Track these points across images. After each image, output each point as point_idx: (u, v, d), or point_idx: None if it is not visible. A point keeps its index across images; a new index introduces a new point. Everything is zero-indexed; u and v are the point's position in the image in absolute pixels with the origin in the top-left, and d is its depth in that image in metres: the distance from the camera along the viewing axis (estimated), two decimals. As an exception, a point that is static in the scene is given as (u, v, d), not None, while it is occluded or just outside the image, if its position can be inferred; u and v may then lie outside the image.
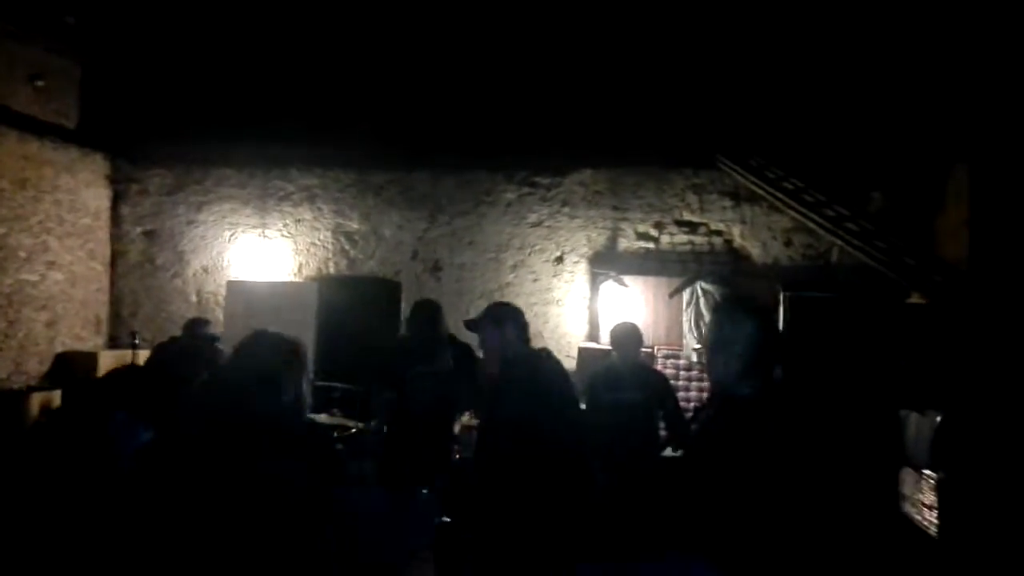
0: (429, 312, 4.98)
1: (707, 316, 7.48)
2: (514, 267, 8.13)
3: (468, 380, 4.73)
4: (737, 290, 7.22)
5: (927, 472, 4.62)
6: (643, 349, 5.36)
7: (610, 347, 5.29)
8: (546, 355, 3.53)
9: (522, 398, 3.21)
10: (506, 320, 3.45)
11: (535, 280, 8.09)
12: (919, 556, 4.53)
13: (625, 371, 4.97)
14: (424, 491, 4.24)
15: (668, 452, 5.12)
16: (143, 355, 6.35)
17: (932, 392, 4.87)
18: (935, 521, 4.46)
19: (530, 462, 3.11)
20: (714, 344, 2.24)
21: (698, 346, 7.27)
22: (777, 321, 2.24)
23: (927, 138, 6.92)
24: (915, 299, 6.25)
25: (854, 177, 7.23)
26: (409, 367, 4.80)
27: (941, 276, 6.08)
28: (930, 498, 4.52)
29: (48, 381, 7.65)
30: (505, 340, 3.41)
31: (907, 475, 4.84)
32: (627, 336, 5.06)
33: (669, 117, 7.43)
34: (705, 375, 7.40)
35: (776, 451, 2.04)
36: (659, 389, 5.07)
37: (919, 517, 4.64)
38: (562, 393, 3.39)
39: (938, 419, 4.60)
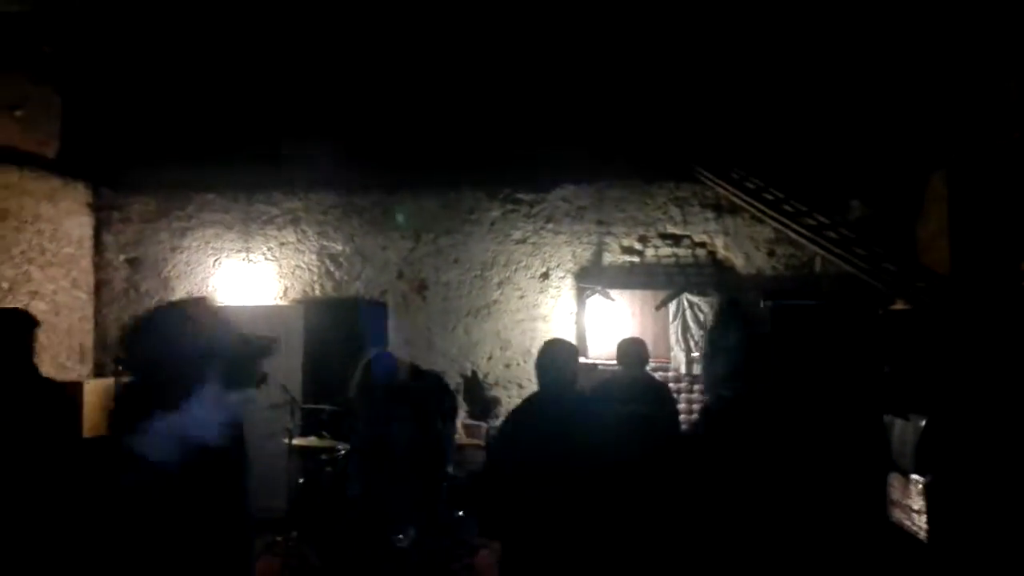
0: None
1: (693, 328, 7.51)
2: (500, 284, 8.14)
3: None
4: (729, 301, 7.27)
5: (915, 477, 4.64)
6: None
7: (612, 361, 5.31)
8: None
9: None
10: None
11: (521, 297, 8.10)
12: (909, 560, 4.53)
13: (629, 384, 4.97)
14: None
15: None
16: (127, 383, 6.30)
17: (916, 397, 4.89)
18: (924, 525, 4.47)
19: None
20: (705, 351, 2.30)
21: (696, 354, 7.30)
22: (764, 331, 2.26)
23: (904, 145, 7.00)
24: (899, 306, 6.30)
25: (834, 186, 7.31)
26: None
27: (923, 282, 6.13)
28: (918, 503, 4.54)
29: (32, 412, 7.57)
30: None
31: (894, 480, 4.86)
32: (633, 351, 5.09)
33: (650, 131, 7.49)
34: (695, 386, 7.46)
35: (753, 449, 2.05)
36: (662, 398, 5.07)
37: (908, 522, 4.65)
38: None
39: (922, 424, 4.62)
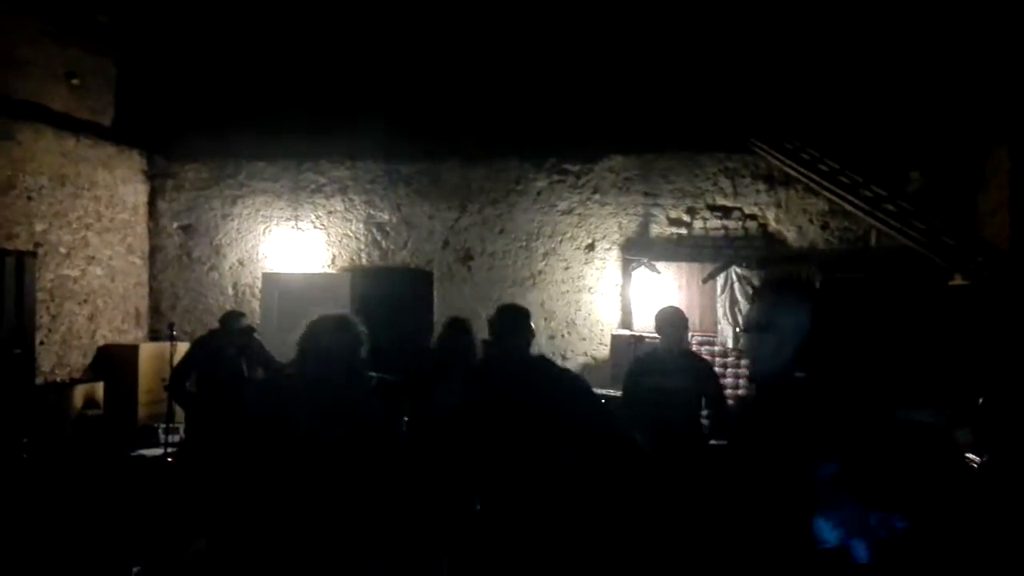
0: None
1: (742, 302, 7.39)
2: (545, 255, 8.11)
3: None
4: (782, 274, 7.10)
5: (970, 456, 4.53)
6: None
7: (654, 332, 5.26)
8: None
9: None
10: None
11: (566, 268, 8.06)
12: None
13: (668, 357, 4.91)
14: None
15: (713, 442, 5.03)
16: (181, 347, 6.47)
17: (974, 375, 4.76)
18: (979, 506, 4.37)
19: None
20: (765, 327, 2.15)
21: (739, 329, 7.18)
22: (827, 308, 2.14)
23: (966, 116, 6.75)
24: (957, 280, 6.12)
25: (892, 157, 7.09)
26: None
27: (983, 256, 5.94)
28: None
29: (91, 373, 7.83)
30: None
31: (949, 460, 4.74)
32: (671, 321, 5.01)
33: (701, 101, 7.34)
34: (741, 360, 7.33)
35: (830, 433, 1.98)
36: (702, 376, 4.98)
37: (962, 502, 4.55)
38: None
39: (980, 402, 4.49)
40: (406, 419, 5.63)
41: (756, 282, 7.30)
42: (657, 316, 5.12)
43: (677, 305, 5.41)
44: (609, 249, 7.99)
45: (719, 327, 7.52)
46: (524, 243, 8.16)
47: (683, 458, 4.51)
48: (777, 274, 6.97)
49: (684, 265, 7.73)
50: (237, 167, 8.70)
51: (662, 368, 4.86)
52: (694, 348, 7.32)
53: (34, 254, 6.88)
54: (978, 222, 7.01)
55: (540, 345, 8.05)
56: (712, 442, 4.97)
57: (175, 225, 8.82)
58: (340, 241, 8.53)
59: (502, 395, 3.48)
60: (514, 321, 3.84)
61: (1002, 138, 6.57)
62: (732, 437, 2.23)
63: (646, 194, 7.94)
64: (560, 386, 3.67)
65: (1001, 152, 6.60)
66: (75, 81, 7.77)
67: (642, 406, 4.77)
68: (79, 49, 7.87)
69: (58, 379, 7.48)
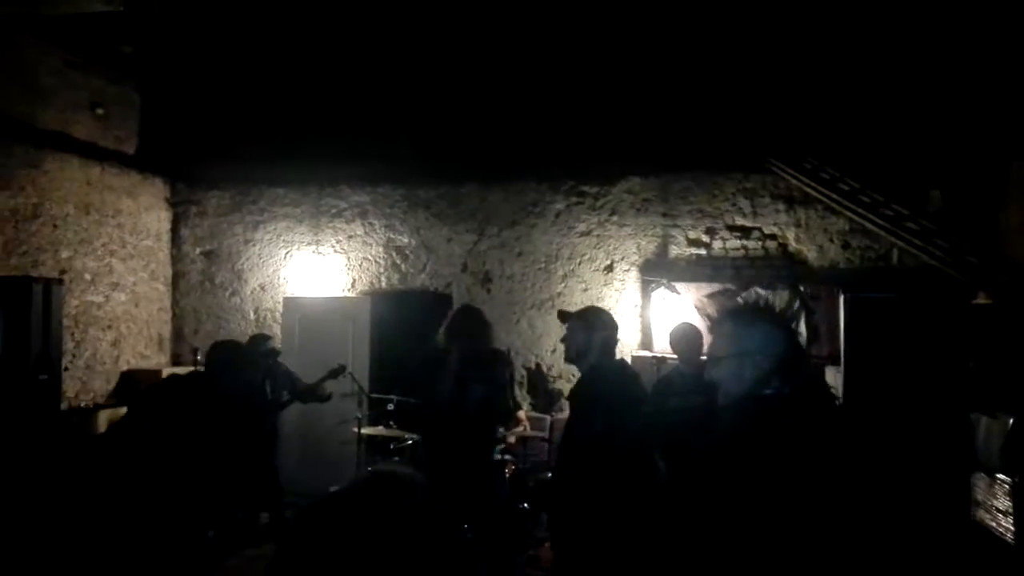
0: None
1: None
2: (564, 277, 8.11)
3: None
4: (733, 304, 7.11)
5: (1000, 477, 4.46)
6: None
7: (671, 351, 5.27)
8: (623, 365, 3.81)
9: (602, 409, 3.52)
10: (598, 328, 3.68)
11: (585, 290, 8.06)
12: (995, 562, 4.36)
13: (687, 376, 4.92)
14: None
15: None
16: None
17: (1003, 394, 4.70)
18: (1011, 527, 4.30)
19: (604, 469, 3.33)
20: (733, 352, 2.21)
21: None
22: (793, 329, 2.15)
23: (986, 133, 6.72)
24: (981, 299, 6.05)
25: (912, 175, 7.05)
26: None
27: (1007, 274, 5.88)
28: (1005, 503, 4.36)
29: (114, 399, 7.88)
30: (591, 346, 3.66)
31: (979, 480, 4.68)
32: (684, 337, 5.04)
33: (718, 121, 7.34)
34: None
35: (807, 447, 1.99)
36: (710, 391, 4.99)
37: (994, 523, 4.48)
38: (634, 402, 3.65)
39: (1010, 422, 4.43)
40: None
41: (777, 302, 7.27)
42: (671, 334, 5.15)
43: (703, 328, 5.41)
44: (628, 270, 7.98)
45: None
46: (543, 265, 8.17)
47: (702, 482, 4.49)
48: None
49: (704, 286, 7.70)
50: (258, 193, 8.80)
51: (681, 388, 4.87)
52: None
53: (60, 281, 6.97)
54: (1000, 240, 6.94)
55: (560, 367, 8.05)
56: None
57: (197, 251, 8.92)
58: (360, 265, 8.58)
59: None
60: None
61: (1022, 154, 6.52)
62: (723, 457, 2.24)
63: (664, 215, 7.94)
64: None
65: (1022, 168, 6.55)
66: (99, 111, 7.91)
67: (665, 428, 4.77)
68: (103, 79, 8.02)
69: (82, 404, 7.54)
